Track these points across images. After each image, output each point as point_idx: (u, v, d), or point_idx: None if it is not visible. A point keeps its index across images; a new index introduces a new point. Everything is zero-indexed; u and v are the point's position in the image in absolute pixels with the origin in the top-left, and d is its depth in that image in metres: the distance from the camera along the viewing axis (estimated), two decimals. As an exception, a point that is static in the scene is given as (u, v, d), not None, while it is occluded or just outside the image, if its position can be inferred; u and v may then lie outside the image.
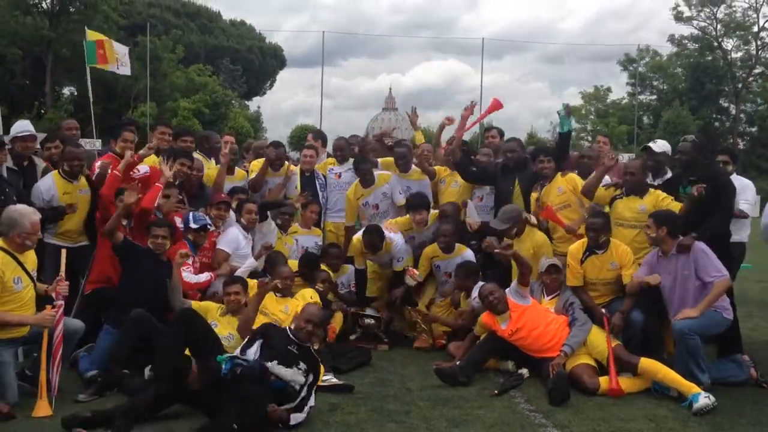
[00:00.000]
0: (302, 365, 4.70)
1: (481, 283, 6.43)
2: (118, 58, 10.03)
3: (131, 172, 6.40)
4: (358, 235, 7.04)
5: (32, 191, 6.21)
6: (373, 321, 6.80)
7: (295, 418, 4.52)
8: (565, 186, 6.86)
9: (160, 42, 39.79)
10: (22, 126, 6.65)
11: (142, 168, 6.57)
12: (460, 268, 6.71)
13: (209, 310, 5.80)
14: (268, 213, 7.07)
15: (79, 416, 4.42)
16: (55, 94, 38.61)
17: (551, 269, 6.14)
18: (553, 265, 6.15)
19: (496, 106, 7.85)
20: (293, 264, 6.78)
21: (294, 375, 4.59)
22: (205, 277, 6.32)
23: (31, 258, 5.11)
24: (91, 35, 9.73)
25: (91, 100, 9.40)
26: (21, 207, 5.08)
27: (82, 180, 6.39)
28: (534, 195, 7.09)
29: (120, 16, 39.86)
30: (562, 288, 6.16)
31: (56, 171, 6.36)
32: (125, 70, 10.31)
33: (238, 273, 6.36)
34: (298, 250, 7.26)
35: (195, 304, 5.78)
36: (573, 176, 6.95)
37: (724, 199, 5.96)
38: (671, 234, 5.61)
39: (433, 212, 7.27)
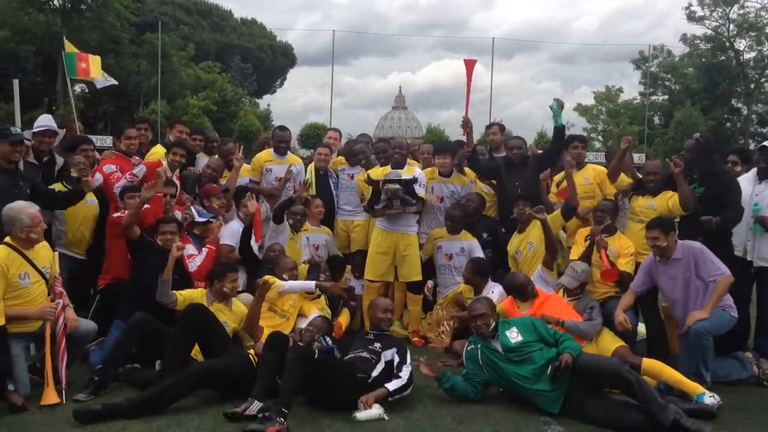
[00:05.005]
0: (377, 345, 5.27)
1: (495, 283, 6.55)
2: (105, 76, 9.97)
3: (131, 177, 6.48)
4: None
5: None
6: (397, 186, 6.65)
7: (394, 384, 4.91)
8: (592, 177, 6.99)
9: (168, 38, 39.90)
10: (43, 120, 6.62)
11: (139, 170, 6.60)
12: (472, 262, 6.75)
13: (193, 298, 5.72)
14: (285, 215, 7.14)
15: (90, 409, 4.50)
16: (66, 92, 38.83)
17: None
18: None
19: (469, 65, 7.52)
20: (302, 269, 6.87)
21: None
22: (204, 253, 6.36)
23: (42, 254, 5.17)
24: (70, 47, 9.55)
25: (74, 112, 9.13)
26: (16, 204, 5.08)
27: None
28: (556, 178, 7.25)
29: (132, 13, 40.06)
30: (583, 293, 6.17)
31: (60, 182, 6.32)
32: (111, 81, 10.20)
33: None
34: (309, 247, 7.31)
35: (179, 296, 5.70)
36: (602, 169, 7.10)
37: (728, 197, 6.05)
38: (677, 238, 5.68)
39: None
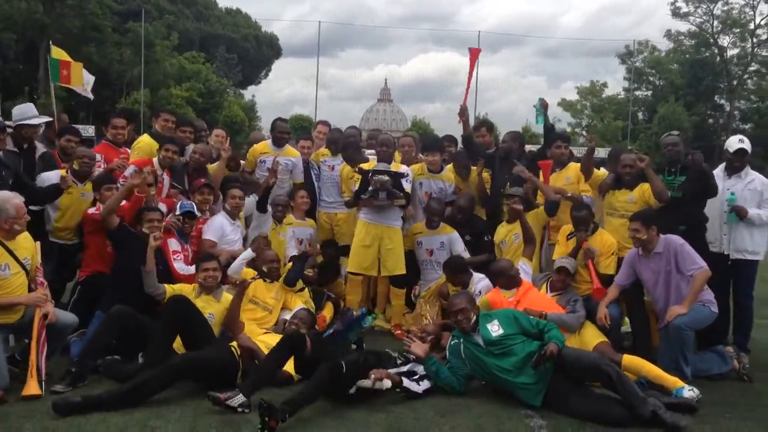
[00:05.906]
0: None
1: (480, 276, 6.53)
2: (85, 83, 9.84)
3: (121, 177, 6.39)
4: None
5: (36, 181, 6.14)
6: (386, 177, 6.65)
7: (409, 384, 4.94)
8: (573, 176, 7.01)
9: (152, 27, 39.53)
10: (29, 111, 6.44)
11: (129, 171, 6.47)
12: (444, 266, 6.73)
13: (183, 292, 5.69)
14: (269, 207, 7.08)
15: (70, 401, 4.45)
16: (48, 80, 38.39)
17: (562, 270, 6.14)
18: (564, 267, 6.13)
19: (474, 54, 7.72)
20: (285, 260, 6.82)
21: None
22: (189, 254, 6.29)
23: (24, 245, 5.10)
24: (56, 53, 9.48)
25: (56, 112, 8.93)
26: (1, 194, 5.02)
27: (88, 184, 6.26)
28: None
29: (114, 1, 39.64)
30: (567, 289, 6.17)
31: (64, 169, 6.25)
32: (88, 94, 10.10)
33: (235, 263, 6.26)
34: (294, 240, 7.26)
35: (169, 288, 5.69)
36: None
37: (705, 179, 6.26)
38: (658, 232, 5.70)
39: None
